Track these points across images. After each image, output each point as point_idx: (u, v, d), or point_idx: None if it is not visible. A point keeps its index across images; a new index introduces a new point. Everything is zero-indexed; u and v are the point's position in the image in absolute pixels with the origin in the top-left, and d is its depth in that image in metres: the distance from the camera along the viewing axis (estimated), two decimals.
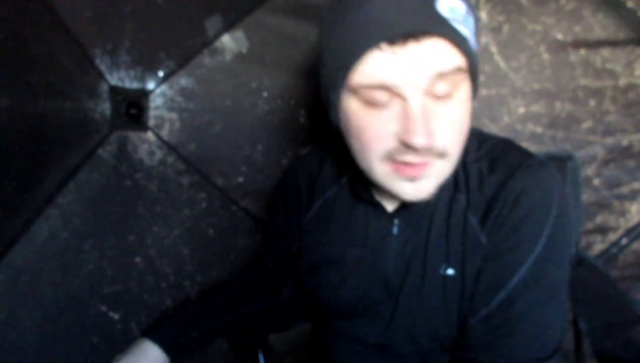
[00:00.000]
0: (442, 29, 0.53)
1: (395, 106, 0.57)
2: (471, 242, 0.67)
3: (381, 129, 0.58)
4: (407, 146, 0.57)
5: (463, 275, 0.67)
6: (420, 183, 0.61)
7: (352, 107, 0.60)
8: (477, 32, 0.60)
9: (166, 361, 0.79)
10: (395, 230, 0.73)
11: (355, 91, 0.58)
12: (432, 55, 0.54)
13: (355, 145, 0.63)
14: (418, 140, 0.55)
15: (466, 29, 0.55)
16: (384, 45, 0.53)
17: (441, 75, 0.55)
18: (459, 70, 0.56)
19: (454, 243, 0.68)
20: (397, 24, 0.52)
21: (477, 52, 0.58)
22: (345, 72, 0.57)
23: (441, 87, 0.56)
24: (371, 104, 0.58)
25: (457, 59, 0.56)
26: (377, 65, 0.55)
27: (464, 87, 0.59)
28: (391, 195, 0.65)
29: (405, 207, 0.71)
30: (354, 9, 0.55)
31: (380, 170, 0.62)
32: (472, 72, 0.59)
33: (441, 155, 0.60)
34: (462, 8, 0.56)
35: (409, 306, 0.72)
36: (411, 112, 0.56)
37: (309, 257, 0.82)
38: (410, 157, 0.58)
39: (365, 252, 0.75)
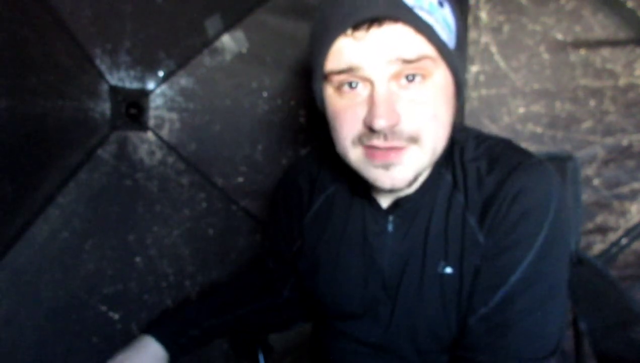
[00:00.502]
0: (404, 15, 0.55)
1: (364, 91, 0.60)
2: (469, 241, 0.67)
3: (352, 114, 0.61)
4: (370, 129, 0.59)
5: (461, 273, 0.67)
6: (394, 171, 0.62)
7: (328, 94, 0.64)
8: (456, 28, 0.61)
9: (167, 358, 0.79)
10: (390, 227, 0.73)
11: (329, 79, 0.62)
12: (394, 41, 0.56)
13: (332, 131, 0.66)
14: (378, 122, 0.57)
15: (432, 18, 0.57)
16: (350, 31, 0.57)
17: (406, 61, 0.57)
18: (425, 57, 0.57)
19: (452, 242, 0.68)
20: (360, 10, 0.55)
21: (449, 43, 0.59)
22: (322, 59, 0.60)
23: (409, 72, 0.58)
24: (343, 90, 0.61)
25: (422, 46, 0.57)
26: (344, 50, 0.58)
27: (439, 75, 0.60)
28: (369, 184, 0.67)
29: (399, 204, 0.71)
30: (330, 2, 0.59)
31: (353, 155, 0.64)
32: (448, 62, 0.60)
33: (413, 140, 0.61)
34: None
35: (407, 305, 0.72)
36: (375, 96, 0.58)
37: (309, 256, 0.82)
38: (377, 141, 0.60)
39: (363, 250, 0.75)
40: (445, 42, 0.58)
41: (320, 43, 0.60)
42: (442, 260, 0.69)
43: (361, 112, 0.60)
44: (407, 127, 0.59)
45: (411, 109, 0.59)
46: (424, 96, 0.60)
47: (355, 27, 0.56)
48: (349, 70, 0.59)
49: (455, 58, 0.60)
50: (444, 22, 0.58)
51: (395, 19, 0.55)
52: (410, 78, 0.59)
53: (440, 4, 0.58)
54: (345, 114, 0.62)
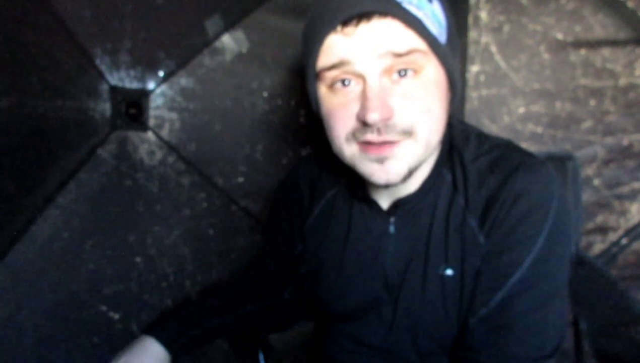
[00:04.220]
0: (392, 9, 0.56)
1: (357, 88, 0.60)
2: (470, 242, 0.67)
3: (345, 111, 0.62)
4: (364, 124, 0.59)
5: (462, 275, 0.67)
6: (388, 165, 0.62)
7: (321, 93, 0.64)
8: (446, 24, 0.61)
9: (167, 358, 0.79)
10: (391, 229, 0.73)
11: (322, 77, 0.62)
12: (383, 35, 0.57)
13: (327, 130, 0.66)
14: (371, 116, 0.58)
15: (421, 12, 0.57)
16: (339, 27, 0.57)
17: (396, 55, 0.57)
18: (416, 51, 0.58)
19: (453, 244, 0.68)
20: (349, 6, 0.56)
21: (439, 37, 0.59)
22: (313, 58, 0.61)
23: (400, 67, 0.58)
24: (335, 87, 0.62)
25: (412, 40, 0.57)
26: (334, 47, 0.59)
27: (430, 69, 0.60)
28: (366, 182, 0.67)
29: (399, 205, 0.71)
30: (320, 2, 0.60)
31: (348, 152, 0.64)
32: (439, 56, 0.60)
33: (407, 133, 0.61)
34: None
35: (409, 306, 0.72)
36: (367, 90, 0.59)
37: (310, 259, 0.82)
38: (371, 136, 0.61)
39: (364, 252, 0.75)
40: (436, 36, 0.59)
41: (312, 42, 0.61)
42: (442, 262, 0.69)
43: (354, 108, 0.61)
44: (400, 120, 0.60)
45: (404, 103, 0.59)
46: (416, 90, 0.60)
47: (345, 23, 0.57)
48: (340, 65, 0.59)
49: (447, 53, 0.61)
50: (433, 16, 0.59)
51: (383, 13, 0.56)
52: (403, 73, 0.59)
53: (429, 0, 0.59)
54: (339, 111, 0.62)
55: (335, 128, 0.64)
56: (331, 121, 0.64)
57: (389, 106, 0.59)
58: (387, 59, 0.57)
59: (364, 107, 0.59)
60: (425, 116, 0.61)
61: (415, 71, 0.59)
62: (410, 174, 0.64)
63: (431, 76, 0.60)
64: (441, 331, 0.71)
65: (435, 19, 0.59)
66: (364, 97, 0.59)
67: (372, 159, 0.62)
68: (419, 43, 0.58)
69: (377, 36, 0.57)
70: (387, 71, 0.59)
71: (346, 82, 0.61)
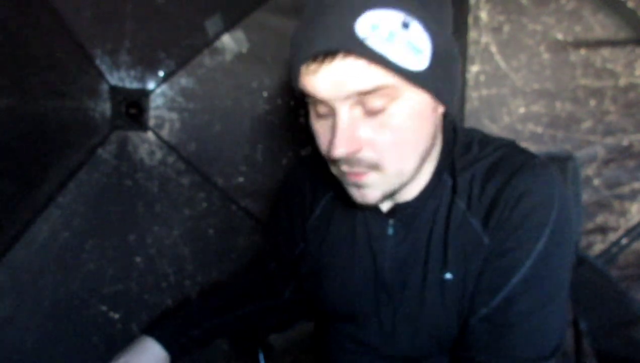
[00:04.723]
0: (355, 48, 0.53)
1: (332, 118, 0.60)
2: (472, 244, 0.67)
3: (324, 136, 0.63)
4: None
5: (462, 279, 0.67)
6: (364, 191, 0.64)
7: (310, 113, 0.65)
8: (431, 45, 0.56)
9: (167, 358, 0.79)
10: (390, 231, 0.73)
11: (308, 101, 0.63)
12: (347, 74, 0.55)
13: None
14: (335, 152, 0.58)
15: (390, 46, 0.54)
16: (308, 63, 0.57)
17: (362, 93, 0.56)
18: (383, 87, 0.56)
19: (453, 247, 0.68)
20: (313, 44, 0.55)
21: (415, 66, 0.56)
22: (296, 82, 0.61)
23: (371, 102, 0.57)
24: (318, 111, 0.62)
25: (377, 77, 0.55)
26: (307, 80, 0.58)
27: (407, 98, 0.58)
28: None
29: (397, 208, 0.71)
30: (298, 27, 0.59)
31: (335, 171, 0.66)
32: (417, 84, 0.57)
33: (373, 167, 0.61)
34: (390, 24, 0.53)
35: (409, 309, 0.72)
36: (336, 123, 0.58)
37: (311, 259, 0.82)
38: (343, 166, 0.62)
39: (363, 253, 0.75)
40: (407, 68, 0.55)
41: (292, 68, 0.61)
42: (442, 266, 0.69)
43: (330, 135, 0.61)
44: (365, 155, 0.60)
45: (374, 135, 0.59)
46: (389, 122, 0.58)
47: (311, 60, 0.56)
48: (313, 96, 0.59)
49: (428, 77, 0.57)
50: (408, 45, 0.55)
51: (345, 52, 0.54)
52: (373, 106, 0.57)
53: (405, 26, 0.55)
54: (320, 134, 0.64)
55: (321, 149, 0.65)
56: (318, 142, 0.65)
57: (357, 140, 0.59)
58: (353, 96, 0.57)
59: (331, 142, 0.59)
60: (395, 149, 0.60)
61: (388, 102, 0.58)
62: (390, 195, 0.65)
63: (408, 104, 0.58)
64: (441, 332, 0.71)
65: (411, 47, 0.55)
66: (333, 129, 0.59)
67: (349, 182, 0.64)
68: (387, 78, 0.55)
69: (341, 75, 0.55)
70: (359, 103, 0.58)
71: (322, 111, 0.61)
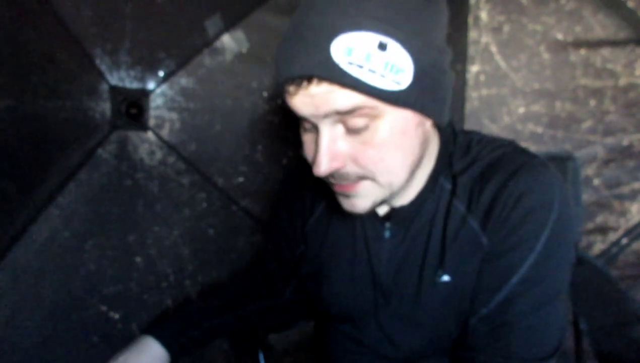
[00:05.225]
0: (329, 73, 0.53)
1: (316, 132, 0.61)
2: (471, 245, 0.66)
3: (310, 150, 0.63)
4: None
5: (461, 280, 0.67)
6: (353, 200, 0.64)
7: (300, 124, 0.65)
8: (413, 63, 0.55)
9: (167, 358, 0.79)
10: (387, 234, 0.73)
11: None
12: (324, 96, 0.55)
13: None
14: (317, 170, 0.59)
15: (366, 69, 0.53)
16: (287, 84, 0.57)
17: (341, 113, 0.56)
18: (361, 107, 0.56)
19: (451, 250, 0.68)
20: (290, 67, 0.55)
21: (395, 86, 0.55)
22: (281, 100, 0.63)
23: (352, 121, 0.57)
24: (303, 126, 0.63)
25: (354, 98, 0.55)
26: (288, 99, 0.59)
27: (385, 119, 0.58)
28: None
29: (393, 212, 0.71)
30: (280, 44, 0.59)
31: (326, 181, 0.66)
32: (397, 104, 0.57)
33: (362, 178, 0.61)
34: (366, 46, 0.53)
35: (406, 310, 0.72)
36: (319, 140, 0.59)
37: (312, 260, 0.82)
38: (330, 178, 0.63)
39: (361, 255, 0.75)
40: (385, 89, 0.54)
41: (275, 85, 0.62)
42: (439, 269, 0.68)
43: (314, 151, 0.62)
44: (351, 170, 0.60)
45: (357, 151, 0.59)
46: (371, 140, 0.58)
47: (291, 81, 0.56)
48: (298, 115, 0.60)
49: (411, 95, 0.56)
50: (387, 66, 0.54)
51: (320, 78, 0.54)
52: (354, 125, 0.58)
53: (382, 47, 0.53)
54: (307, 147, 0.64)
55: (307, 159, 0.65)
56: (304, 150, 0.66)
57: (340, 157, 0.59)
58: (333, 116, 0.57)
59: (314, 158, 0.60)
60: (380, 163, 0.60)
61: (369, 121, 0.57)
62: (381, 203, 0.65)
63: (388, 124, 0.58)
64: (439, 334, 0.71)
65: (390, 67, 0.54)
66: (316, 145, 0.60)
67: (338, 192, 0.65)
68: (364, 100, 0.55)
69: (319, 98, 0.55)
70: (339, 121, 0.58)
71: (307, 126, 0.62)
